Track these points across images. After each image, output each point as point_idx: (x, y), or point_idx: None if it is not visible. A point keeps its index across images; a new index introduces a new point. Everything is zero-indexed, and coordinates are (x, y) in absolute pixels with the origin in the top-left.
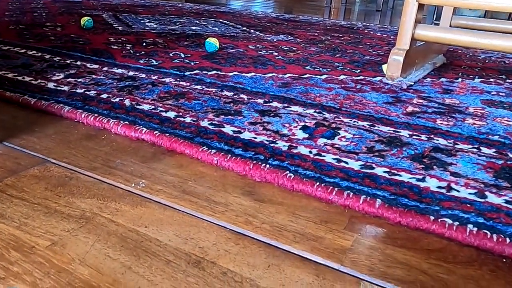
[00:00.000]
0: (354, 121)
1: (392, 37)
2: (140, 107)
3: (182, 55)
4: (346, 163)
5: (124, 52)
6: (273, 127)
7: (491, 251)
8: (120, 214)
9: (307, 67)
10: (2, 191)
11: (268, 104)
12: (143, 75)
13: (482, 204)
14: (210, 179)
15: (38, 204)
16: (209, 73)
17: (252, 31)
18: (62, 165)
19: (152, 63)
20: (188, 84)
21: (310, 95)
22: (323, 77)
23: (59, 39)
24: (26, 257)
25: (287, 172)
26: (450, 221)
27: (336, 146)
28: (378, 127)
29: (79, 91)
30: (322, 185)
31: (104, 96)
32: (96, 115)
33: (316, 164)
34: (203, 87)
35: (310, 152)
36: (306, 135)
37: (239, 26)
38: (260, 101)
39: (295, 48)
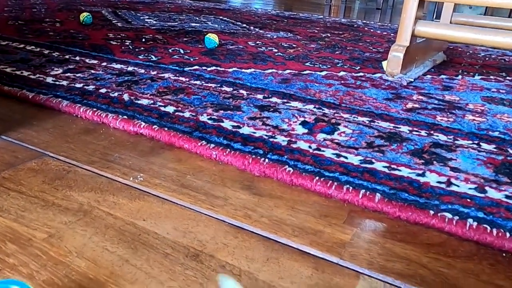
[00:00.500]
0: (354, 117)
1: (392, 35)
2: (138, 101)
3: (182, 51)
4: (346, 158)
5: (123, 47)
6: (272, 122)
7: (491, 246)
8: (118, 208)
9: (307, 64)
10: (0, 184)
11: (267, 100)
12: (142, 71)
13: (482, 199)
14: (209, 173)
15: (35, 197)
16: (209, 69)
17: (251, 28)
18: (60, 158)
19: (151, 59)
20: (187, 79)
21: (310, 91)
22: (323, 73)
23: (58, 35)
24: (23, 249)
25: (286, 166)
26: (450, 216)
27: (336, 141)
28: (378, 122)
29: (77, 85)
30: (322, 179)
31: (103, 90)
32: (94, 109)
33: (315, 159)
34: (202, 82)
35: (310, 147)
36: (306, 130)
37: (239, 23)
38: (260, 96)
39: (294, 45)
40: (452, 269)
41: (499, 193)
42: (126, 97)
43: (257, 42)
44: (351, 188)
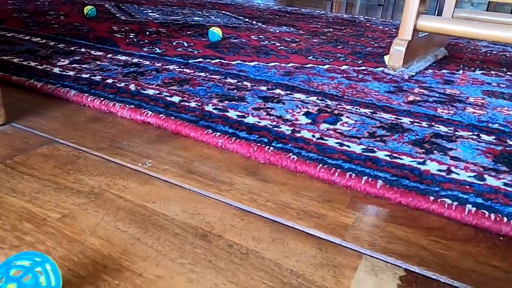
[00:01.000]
0: (356, 108)
1: (394, 30)
2: (145, 91)
3: (185, 44)
4: (348, 146)
5: (127, 40)
6: (276, 113)
7: (488, 230)
8: (128, 191)
9: (310, 57)
10: (13, 168)
11: (271, 91)
12: (147, 62)
13: (481, 186)
14: (215, 160)
15: (47, 180)
16: (213, 61)
17: (254, 22)
18: (70, 145)
19: (156, 51)
20: (192, 71)
21: (313, 83)
22: (325, 67)
23: (63, 27)
24: (39, 228)
25: (291, 154)
26: (449, 201)
27: (339, 131)
28: (380, 114)
29: (84, 76)
30: (325, 166)
31: (110, 81)
32: (102, 98)
33: (319, 147)
34: (207, 74)
35: (313, 136)
36: (309, 121)
37: (241, 17)
38: (264, 88)
39: (297, 39)
40: (451, 250)
41: (498, 180)
42: (132, 87)
43: (260, 36)
44: (353, 174)
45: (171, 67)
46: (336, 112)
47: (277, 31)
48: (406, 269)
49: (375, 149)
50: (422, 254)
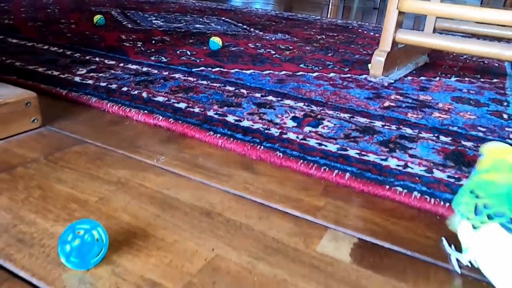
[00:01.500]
0: (337, 113)
1: None
2: (155, 99)
3: (188, 53)
4: (326, 146)
5: (136, 49)
6: (267, 117)
7: (429, 211)
8: (147, 181)
9: (301, 65)
10: (55, 162)
11: (264, 98)
12: (155, 71)
13: (428, 178)
14: (216, 157)
15: (83, 172)
16: (213, 69)
17: (252, 29)
18: (97, 144)
19: (162, 60)
20: (195, 79)
21: (302, 90)
22: (314, 74)
23: (75, 36)
24: (82, 208)
25: (278, 152)
26: (400, 189)
27: (319, 133)
28: (357, 118)
29: (102, 84)
30: (305, 162)
31: (125, 89)
32: (119, 105)
33: (301, 147)
34: (208, 82)
35: (297, 137)
36: (295, 124)
37: (240, 24)
38: (258, 95)
39: (291, 47)
40: (397, 226)
41: (443, 174)
42: (145, 95)
43: (257, 44)
44: (327, 168)
45: (176, 75)
46: (319, 116)
47: (273, 39)
48: (360, 238)
49: (348, 148)
50: (374, 228)
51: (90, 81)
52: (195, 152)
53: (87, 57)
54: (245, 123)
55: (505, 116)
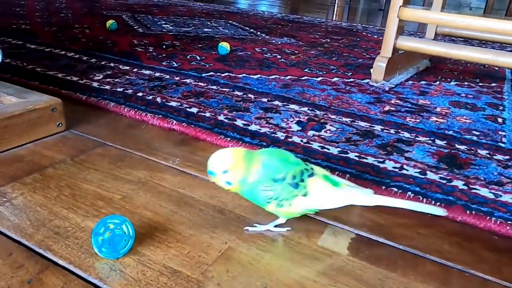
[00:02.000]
0: (339, 118)
1: None
2: (169, 103)
3: (198, 58)
4: (328, 149)
5: (148, 54)
6: (274, 121)
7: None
8: (165, 181)
9: (306, 70)
10: (80, 163)
11: (271, 103)
12: (168, 76)
13: (421, 179)
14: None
15: (107, 172)
16: (222, 74)
17: (258, 33)
18: (117, 147)
19: (173, 65)
20: (205, 84)
21: (306, 95)
22: (319, 79)
23: (90, 41)
24: (108, 205)
25: None
26: (395, 189)
27: (322, 137)
28: (358, 122)
29: (119, 90)
30: None
31: (140, 94)
32: (136, 109)
33: (305, 150)
34: (218, 87)
35: (301, 141)
36: (300, 128)
37: (247, 28)
38: (265, 100)
39: (296, 51)
40: (388, 221)
41: (436, 175)
42: (159, 100)
43: (263, 48)
44: (329, 170)
45: (187, 80)
46: (322, 121)
47: (279, 43)
48: (357, 233)
49: (348, 151)
50: (369, 224)
51: (107, 87)
52: (207, 154)
53: (103, 62)
54: (253, 127)
55: (499, 120)
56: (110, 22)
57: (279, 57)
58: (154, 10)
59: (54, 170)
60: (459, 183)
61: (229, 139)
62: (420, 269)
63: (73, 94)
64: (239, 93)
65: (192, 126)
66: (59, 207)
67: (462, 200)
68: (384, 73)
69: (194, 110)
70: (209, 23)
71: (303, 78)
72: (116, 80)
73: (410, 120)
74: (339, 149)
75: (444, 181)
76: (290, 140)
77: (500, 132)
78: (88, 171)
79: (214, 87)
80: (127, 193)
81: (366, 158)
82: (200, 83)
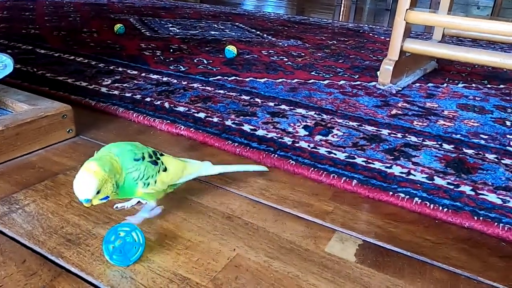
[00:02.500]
0: (346, 122)
1: None
2: (177, 109)
3: (205, 61)
4: (335, 154)
5: (155, 58)
6: (281, 126)
7: (428, 215)
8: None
9: (312, 73)
10: None
11: (277, 107)
12: (175, 81)
13: (429, 185)
14: (234, 164)
15: None
16: (229, 78)
17: (265, 35)
18: None
19: (180, 69)
20: (212, 89)
21: (313, 99)
22: (325, 82)
23: (98, 45)
24: (118, 211)
25: (290, 160)
26: (402, 195)
27: (329, 141)
28: (365, 127)
29: (127, 95)
30: (315, 169)
31: (148, 99)
32: (144, 115)
33: (312, 155)
34: (225, 91)
35: (309, 146)
36: (307, 133)
37: (253, 30)
38: (271, 104)
39: (303, 54)
40: (397, 228)
41: (443, 181)
42: (167, 105)
43: (270, 51)
44: (336, 175)
45: (195, 85)
46: (329, 125)
47: (285, 45)
48: (364, 239)
49: (355, 156)
50: (377, 230)
51: (116, 92)
52: (215, 159)
53: (111, 67)
54: (260, 132)
55: (508, 123)
56: (118, 26)
57: (286, 59)
58: (161, 13)
59: (65, 176)
60: (466, 189)
61: (236, 144)
62: (428, 276)
63: (82, 100)
64: (246, 98)
65: (200, 131)
66: (71, 214)
67: (470, 206)
68: (391, 76)
69: (202, 115)
70: (215, 26)
71: (310, 81)
72: (124, 85)
73: (417, 124)
74: (346, 154)
75: (452, 187)
76: (297, 145)
77: (508, 136)
78: None
79: (221, 91)
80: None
81: (373, 163)
82: (207, 88)
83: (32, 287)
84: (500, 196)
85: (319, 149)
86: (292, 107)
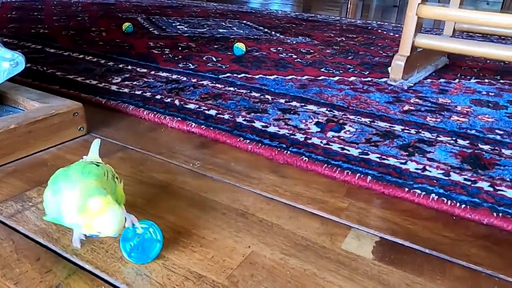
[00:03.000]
0: (358, 118)
1: None
2: (187, 106)
3: (214, 59)
4: (348, 150)
5: (164, 56)
6: (292, 123)
7: (445, 212)
8: (187, 184)
9: (322, 69)
10: None
11: (288, 104)
12: (184, 78)
13: (445, 181)
14: (246, 161)
15: (129, 176)
16: (239, 76)
17: (273, 33)
18: (137, 150)
19: (190, 67)
20: (222, 86)
21: (324, 95)
22: (336, 78)
23: (107, 44)
24: (132, 209)
25: (303, 156)
26: (419, 192)
27: (342, 138)
28: (377, 123)
29: (137, 92)
30: (329, 166)
31: (158, 97)
32: (155, 112)
33: (325, 151)
34: (235, 88)
35: (321, 142)
36: (319, 129)
37: (261, 27)
38: (282, 100)
39: (312, 51)
40: (415, 225)
41: (460, 176)
42: (177, 102)
43: (279, 48)
44: (350, 172)
45: (204, 82)
46: (341, 121)
47: (294, 42)
48: (381, 237)
49: (369, 152)
50: (394, 227)
51: (126, 90)
52: (227, 156)
53: (120, 65)
54: (272, 129)
55: None
56: (126, 25)
57: (295, 56)
58: (169, 11)
59: None
60: (484, 185)
61: (248, 141)
62: (448, 274)
63: (93, 98)
64: (257, 94)
65: (211, 128)
66: None
67: (488, 202)
68: (402, 71)
69: (213, 112)
70: (223, 24)
71: (320, 78)
72: (134, 83)
73: (430, 120)
74: (359, 150)
75: (469, 183)
76: (309, 141)
77: None
78: None
79: (231, 88)
80: (151, 198)
81: (388, 159)
82: (217, 85)
83: (47, 285)
84: None
85: (331, 145)
86: (303, 104)
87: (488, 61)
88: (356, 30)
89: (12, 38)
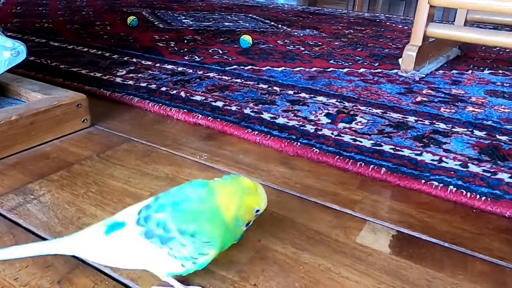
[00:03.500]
0: (369, 109)
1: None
2: (193, 98)
3: (220, 52)
4: (360, 142)
5: (169, 49)
6: (302, 114)
7: (464, 204)
8: (193, 176)
9: (331, 61)
10: (106, 160)
11: (297, 95)
12: (190, 70)
13: (463, 172)
14: (255, 153)
15: (133, 168)
16: (246, 68)
17: (280, 26)
18: (143, 142)
19: (195, 59)
20: (229, 78)
21: (333, 87)
22: (345, 70)
23: (112, 38)
24: (136, 201)
25: (314, 148)
26: (436, 183)
27: (353, 129)
28: (390, 114)
29: (142, 85)
30: (341, 157)
31: (164, 89)
32: (160, 104)
33: (336, 143)
34: (242, 80)
35: (332, 133)
36: (329, 120)
37: (268, 21)
38: (291, 92)
39: (320, 43)
40: (433, 219)
41: (478, 168)
42: (183, 94)
43: (286, 41)
44: (363, 163)
45: (211, 74)
46: (352, 112)
47: (301, 35)
48: (398, 230)
49: (382, 143)
50: (411, 220)
51: (131, 82)
52: (234, 148)
53: (125, 58)
54: (281, 120)
55: None
56: (131, 19)
57: (303, 49)
58: (174, 5)
59: (81, 166)
60: (504, 176)
61: (256, 132)
62: (470, 269)
63: (97, 90)
64: (264, 86)
65: (218, 120)
66: (87, 204)
67: (510, 194)
68: (414, 62)
69: (220, 104)
70: (229, 17)
71: (328, 69)
72: (139, 75)
73: (445, 111)
74: (372, 141)
75: (488, 174)
76: (320, 133)
77: None
78: (115, 168)
79: (238, 80)
80: (156, 190)
81: (402, 151)
82: (224, 77)
83: (48, 280)
84: None
85: (343, 136)
86: (312, 95)
87: (501, 52)
88: (364, 22)
89: (16, 33)
